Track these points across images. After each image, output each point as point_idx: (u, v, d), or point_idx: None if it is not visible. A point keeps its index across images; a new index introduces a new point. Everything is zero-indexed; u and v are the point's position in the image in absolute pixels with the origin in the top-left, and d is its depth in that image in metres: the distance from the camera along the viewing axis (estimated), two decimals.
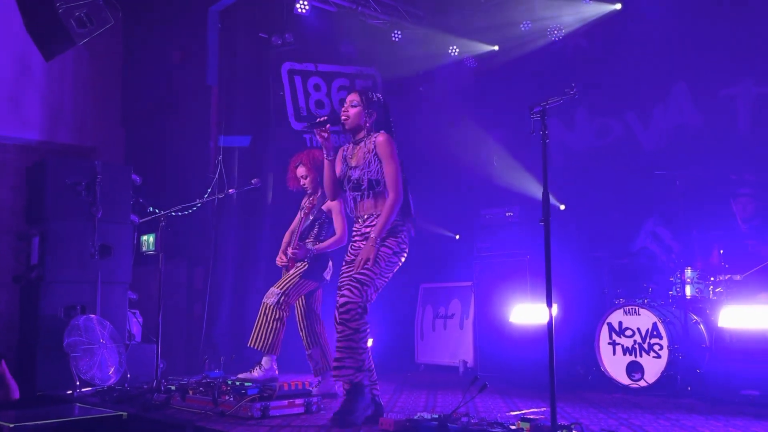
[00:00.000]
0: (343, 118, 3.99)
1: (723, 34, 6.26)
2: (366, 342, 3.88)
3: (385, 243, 3.88)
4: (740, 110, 6.31)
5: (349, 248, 4.04)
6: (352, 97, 4.02)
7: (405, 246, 3.99)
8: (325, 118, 3.97)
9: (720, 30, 6.26)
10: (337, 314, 3.84)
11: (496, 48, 7.95)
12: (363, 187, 3.90)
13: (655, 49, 6.55)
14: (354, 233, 4.04)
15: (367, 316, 3.84)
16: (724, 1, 6.18)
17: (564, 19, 7.25)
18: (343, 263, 4.01)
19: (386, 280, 3.94)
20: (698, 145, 6.40)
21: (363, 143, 3.98)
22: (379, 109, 4.04)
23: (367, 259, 3.81)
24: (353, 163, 3.96)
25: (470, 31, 7.89)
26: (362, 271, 3.79)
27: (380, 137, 3.93)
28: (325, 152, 3.96)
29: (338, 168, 4.04)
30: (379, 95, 4.10)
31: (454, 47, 7.99)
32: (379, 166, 3.89)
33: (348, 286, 3.80)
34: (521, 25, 7.48)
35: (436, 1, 7.72)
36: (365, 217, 3.96)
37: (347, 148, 4.07)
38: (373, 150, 3.91)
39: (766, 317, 4.76)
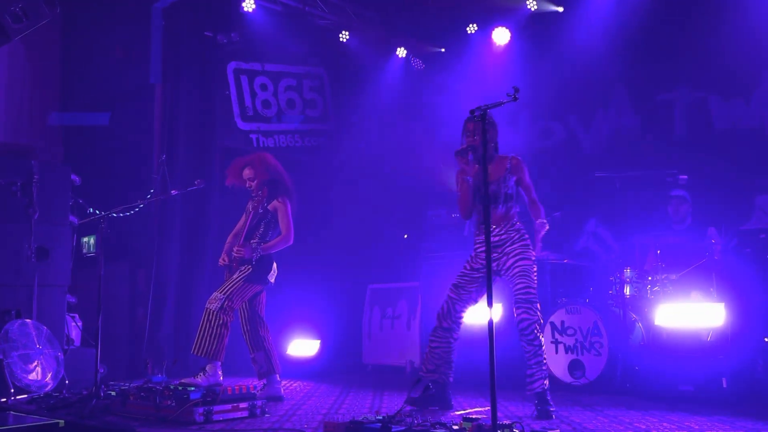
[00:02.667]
0: (472, 143, 4.33)
1: (661, 41, 6.47)
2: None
3: (530, 256, 4.33)
4: (676, 115, 6.53)
5: (476, 256, 4.41)
6: (475, 125, 4.33)
7: None
8: (468, 147, 4.34)
9: (658, 38, 6.47)
10: (520, 335, 4.27)
11: (443, 50, 8.02)
12: (500, 200, 4.31)
13: (597, 53, 6.70)
14: (478, 244, 4.43)
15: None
16: (663, 11, 6.36)
17: (509, 22, 7.36)
18: (467, 268, 4.43)
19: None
20: (636, 148, 6.60)
21: (494, 162, 4.39)
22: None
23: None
24: (488, 179, 4.25)
25: (418, 33, 7.94)
26: (528, 290, 4.22)
27: (517, 158, 4.43)
28: (466, 175, 4.36)
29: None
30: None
31: (402, 48, 8.03)
32: (513, 182, 4.38)
33: (530, 309, 4.22)
34: (467, 28, 7.56)
35: (384, 2, 7.74)
36: (493, 227, 4.33)
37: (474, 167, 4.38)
38: (508, 168, 4.37)
39: (699, 315, 4.93)
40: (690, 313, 5.02)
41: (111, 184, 7.11)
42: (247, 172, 5.09)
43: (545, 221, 4.35)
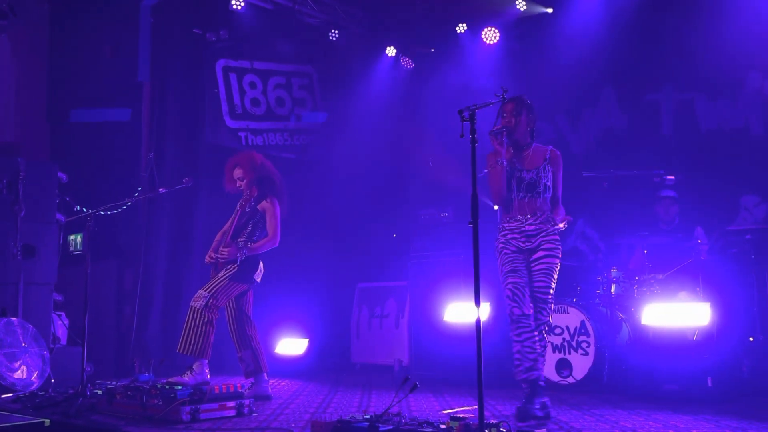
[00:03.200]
0: (507, 124, 4.17)
1: (648, 42, 6.50)
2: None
3: (557, 254, 4.20)
4: (663, 115, 6.58)
5: (506, 243, 4.22)
6: (512, 106, 4.18)
7: None
8: (503, 128, 4.12)
9: (645, 39, 6.50)
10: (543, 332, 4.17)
11: (433, 50, 8.03)
12: (538, 190, 4.18)
13: (585, 54, 6.73)
14: (507, 231, 4.24)
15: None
16: (649, 13, 6.40)
17: (498, 22, 7.37)
18: (507, 254, 4.21)
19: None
20: (624, 148, 6.63)
21: (531, 149, 4.27)
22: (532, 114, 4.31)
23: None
24: (525, 166, 4.22)
25: (407, 32, 7.94)
26: (547, 290, 4.16)
27: (556, 151, 4.30)
28: (498, 159, 4.14)
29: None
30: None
31: (392, 47, 8.04)
32: (550, 174, 4.24)
33: (543, 309, 4.15)
34: (457, 28, 7.57)
35: (374, 1, 7.74)
36: (528, 216, 4.20)
37: (508, 151, 4.22)
38: (547, 158, 4.24)
39: (686, 315, 4.96)
40: (676, 312, 5.05)
41: (98, 182, 7.08)
42: (237, 172, 5.10)
43: (562, 225, 4.24)
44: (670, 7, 6.36)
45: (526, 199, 4.20)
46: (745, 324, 5.19)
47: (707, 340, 4.90)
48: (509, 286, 4.17)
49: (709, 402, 4.47)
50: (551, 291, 4.16)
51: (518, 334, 4.12)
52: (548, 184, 4.22)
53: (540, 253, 4.17)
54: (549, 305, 4.16)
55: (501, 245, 4.28)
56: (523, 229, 4.20)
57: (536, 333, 4.13)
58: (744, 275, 5.33)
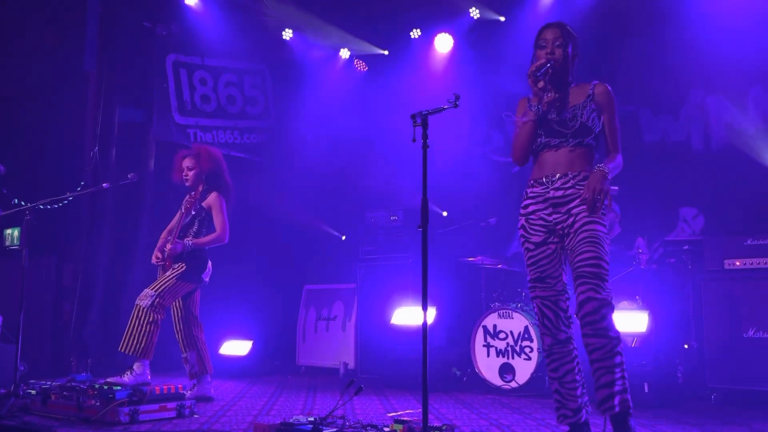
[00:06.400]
0: (548, 59, 3.16)
1: (597, 56, 6.64)
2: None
3: (602, 220, 3.07)
4: None
5: (528, 227, 3.16)
6: (556, 33, 3.22)
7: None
8: (546, 62, 3.14)
9: (595, 52, 6.63)
10: (584, 322, 2.98)
11: (386, 52, 8.06)
12: (573, 133, 3.09)
13: None
14: (530, 201, 3.17)
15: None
16: (599, 28, 6.54)
17: (452, 28, 7.45)
18: (531, 249, 3.15)
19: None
20: None
21: (571, 90, 3.22)
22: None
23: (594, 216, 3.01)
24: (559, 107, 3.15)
25: (362, 34, 7.95)
26: (595, 261, 2.97)
27: (606, 85, 3.19)
28: (534, 106, 3.13)
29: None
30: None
31: (346, 49, 8.03)
32: (594, 115, 3.12)
33: (597, 286, 2.95)
34: (411, 32, 7.62)
35: (329, 2, 7.72)
36: (556, 174, 3.10)
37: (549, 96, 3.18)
38: (590, 94, 3.15)
39: (625, 322, 5.09)
40: (617, 320, 5.16)
41: (39, 175, 6.86)
42: (187, 162, 4.99)
43: (604, 168, 3.03)
44: (618, 24, 6.52)
45: (556, 149, 3.13)
46: (680, 331, 5.36)
47: (645, 346, 5.04)
48: (536, 302, 3.16)
49: (645, 407, 4.59)
50: (604, 263, 2.99)
51: (554, 369, 3.14)
52: (590, 126, 3.10)
53: (579, 223, 3.04)
54: (606, 282, 2.99)
55: (521, 231, 3.21)
56: (548, 195, 3.13)
57: (576, 354, 3.12)
58: (681, 285, 5.51)
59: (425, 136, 3.20)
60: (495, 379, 5.49)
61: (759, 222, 5.43)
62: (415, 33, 7.62)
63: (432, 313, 5.83)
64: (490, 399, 5.15)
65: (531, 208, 3.17)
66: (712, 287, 4.99)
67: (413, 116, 3.21)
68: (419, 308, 3.13)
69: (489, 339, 5.62)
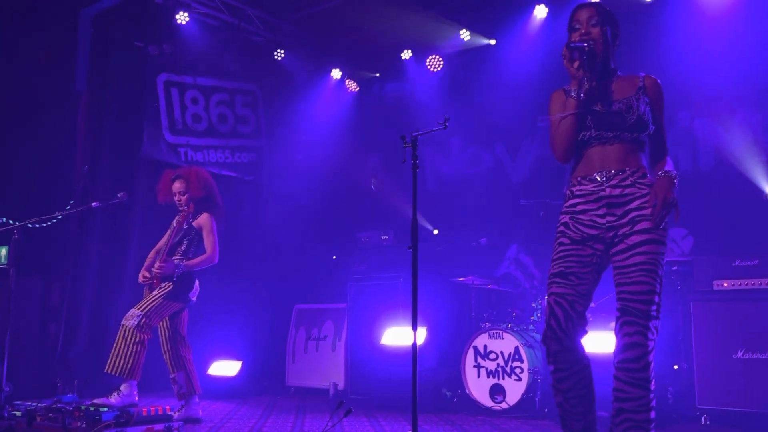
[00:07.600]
0: (583, 40, 2.78)
1: None
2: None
3: (663, 237, 2.69)
4: None
5: (570, 224, 2.78)
6: (590, 12, 2.82)
7: None
8: (583, 41, 2.78)
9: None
10: (621, 367, 2.67)
11: (378, 74, 8.11)
12: (630, 126, 2.72)
13: (524, 85, 6.90)
14: (578, 200, 2.77)
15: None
16: None
17: (443, 50, 7.52)
18: (565, 243, 2.77)
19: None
20: (559, 178, 6.79)
21: (616, 78, 2.86)
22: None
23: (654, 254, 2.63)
24: (608, 98, 2.79)
25: (353, 56, 8.01)
26: (648, 297, 2.62)
27: (654, 78, 2.87)
28: (578, 90, 2.75)
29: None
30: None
31: (337, 70, 8.08)
32: (647, 108, 2.77)
33: (636, 324, 2.62)
34: (402, 54, 7.68)
35: (321, 23, 7.78)
36: (611, 171, 2.72)
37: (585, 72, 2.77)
38: (641, 86, 2.81)
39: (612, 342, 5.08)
40: (607, 340, 5.17)
41: (29, 194, 6.82)
42: (177, 185, 4.95)
43: (672, 174, 2.70)
44: None
45: (609, 143, 2.74)
46: (670, 352, 5.36)
47: None
48: (550, 299, 2.76)
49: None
50: (655, 298, 2.64)
51: (559, 379, 2.74)
52: (646, 120, 2.73)
53: (634, 238, 2.65)
54: (653, 322, 2.64)
55: (561, 227, 2.83)
56: (602, 193, 2.73)
57: (586, 365, 2.77)
58: (670, 305, 5.51)
59: (415, 157, 3.22)
60: (485, 400, 5.46)
61: (747, 243, 5.46)
62: (406, 54, 7.69)
63: (422, 333, 5.81)
64: (480, 420, 5.12)
65: (580, 208, 2.77)
66: (702, 308, 5.00)
67: (403, 137, 3.23)
68: (410, 328, 3.12)
69: (479, 359, 5.60)
